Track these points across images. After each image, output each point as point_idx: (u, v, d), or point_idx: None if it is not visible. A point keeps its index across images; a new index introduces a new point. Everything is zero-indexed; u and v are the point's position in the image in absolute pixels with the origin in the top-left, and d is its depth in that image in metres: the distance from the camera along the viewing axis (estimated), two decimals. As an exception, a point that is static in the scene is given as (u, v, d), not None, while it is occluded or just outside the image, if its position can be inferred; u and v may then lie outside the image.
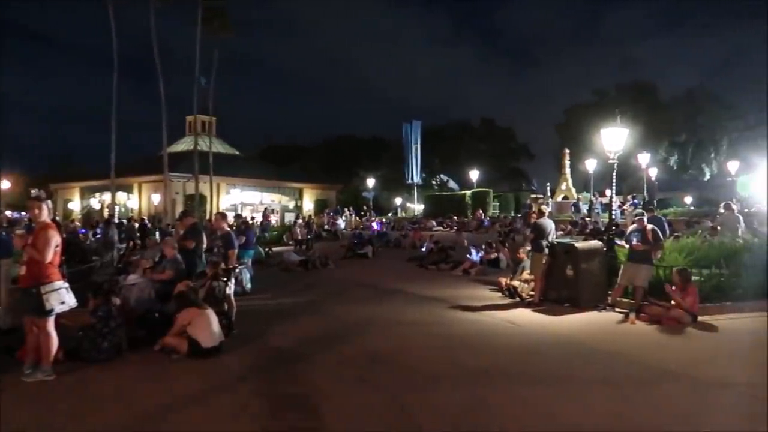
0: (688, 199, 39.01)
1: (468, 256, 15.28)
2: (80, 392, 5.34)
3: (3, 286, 7.62)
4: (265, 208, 32.99)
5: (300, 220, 27.85)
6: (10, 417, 4.70)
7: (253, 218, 26.69)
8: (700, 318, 8.17)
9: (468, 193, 40.30)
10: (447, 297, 10.80)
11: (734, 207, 14.40)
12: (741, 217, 13.26)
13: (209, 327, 6.52)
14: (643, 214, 9.60)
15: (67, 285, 5.71)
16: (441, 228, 29.74)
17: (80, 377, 5.74)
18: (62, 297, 5.57)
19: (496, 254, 15.54)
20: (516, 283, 10.92)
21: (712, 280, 9.27)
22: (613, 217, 11.47)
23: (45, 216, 5.75)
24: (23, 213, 42.81)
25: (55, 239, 5.58)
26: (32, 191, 5.90)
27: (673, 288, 8.43)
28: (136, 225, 24.67)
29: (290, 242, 24.11)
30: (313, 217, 34.73)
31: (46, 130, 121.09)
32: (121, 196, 38.79)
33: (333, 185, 50.40)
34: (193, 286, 7.68)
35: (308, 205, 46.16)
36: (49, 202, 5.92)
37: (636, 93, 46.06)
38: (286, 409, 4.98)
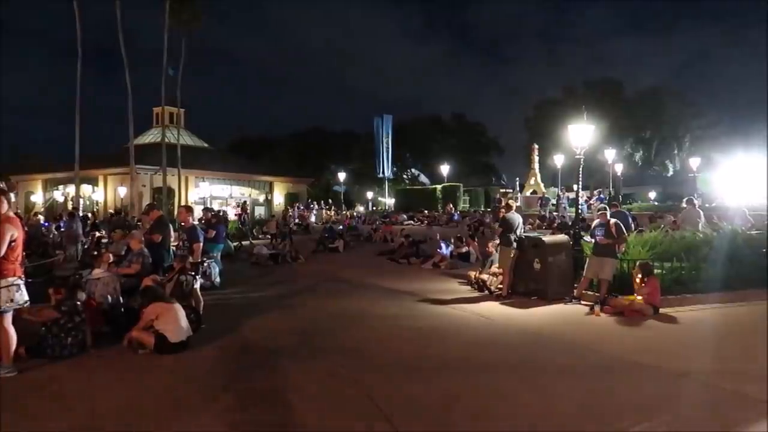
0: (652, 194, 39.96)
1: (438, 250, 15.40)
2: (43, 390, 5.22)
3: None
4: (244, 202, 32.57)
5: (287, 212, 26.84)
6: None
7: (219, 211, 26.30)
8: (661, 310, 8.40)
9: (439, 187, 40.56)
10: (417, 290, 10.88)
11: (696, 202, 14.80)
12: (702, 212, 13.64)
13: (177, 322, 6.44)
14: (605, 209, 9.81)
15: (20, 282, 5.53)
16: (412, 222, 29.86)
17: (43, 374, 5.62)
18: (12, 294, 5.40)
19: (465, 248, 15.70)
20: (485, 276, 11.06)
21: (673, 273, 9.56)
22: (580, 211, 11.71)
23: (5, 209, 5.58)
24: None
25: (12, 233, 5.41)
26: None
27: (636, 281, 8.66)
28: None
29: (260, 236, 23.88)
30: (289, 210, 34.43)
31: (6, 121, 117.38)
32: (85, 188, 37.84)
33: (304, 179, 50.07)
34: (160, 281, 7.59)
35: (278, 198, 45.75)
36: (12, 194, 5.72)
37: (603, 90, 46.88)
38: (256, 403, 4.95)
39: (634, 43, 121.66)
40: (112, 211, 29.85)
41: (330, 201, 41.14)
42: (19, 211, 27.74)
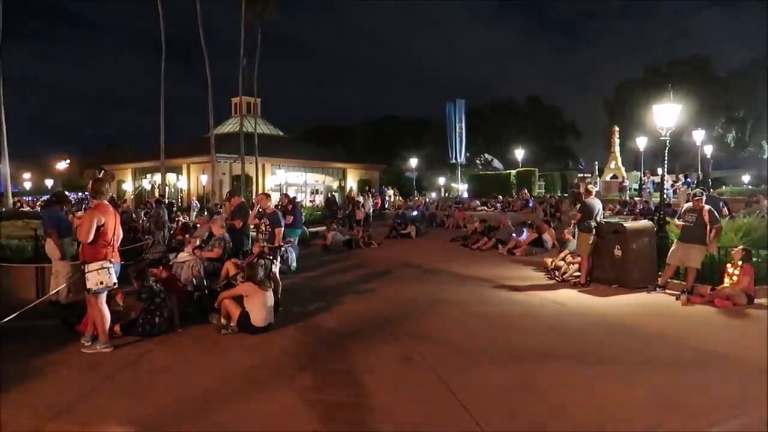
0: (746, 178, 37.34)
1: (513, 235, 15.10)
2: (136, 365, 5.56)
3: (63, 263, 7.94)
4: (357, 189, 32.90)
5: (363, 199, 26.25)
6: (73, 385, 4.96)
7: (294, 197, 26.83)
8: (756, 300, 7.88)
9: (513, 172, 39.64)
10: (492, 277, 10.73)
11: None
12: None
13: (264, 307, 6.65)
14: (702, 194, 9.23)
15: (110, 265, 5.77)
16: (485, 208, 29.39)
17: (135, 350, 5.98)
18: (102, 277, 5.67)
19: (541, 234, 15.28)
20: (561, 263, 10.75)
21: (771, 260, 8.91)
22: (665, 196, 11.11)
23: (95, 197, 5.91)
24: (79, 193, 44.65)
25: (98, 220, 5.66)
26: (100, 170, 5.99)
27: (730, 266, 8.16)
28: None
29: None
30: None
31: (99, 115, 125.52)
32: (170, 176, 39.79)
33: (376, 165, 50.36)
34: (240, 264, 7.86)
35: (352, 184, 46.33)
36: (92, 183, 5.97)
37: (690, 67, 43.99)
38: (333, 385, 5.06)
39: (721, 16, 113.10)
40: (195, 198, 31.25)
41: (378, 188, 40.39)
42: (113, 195, 29.54)
